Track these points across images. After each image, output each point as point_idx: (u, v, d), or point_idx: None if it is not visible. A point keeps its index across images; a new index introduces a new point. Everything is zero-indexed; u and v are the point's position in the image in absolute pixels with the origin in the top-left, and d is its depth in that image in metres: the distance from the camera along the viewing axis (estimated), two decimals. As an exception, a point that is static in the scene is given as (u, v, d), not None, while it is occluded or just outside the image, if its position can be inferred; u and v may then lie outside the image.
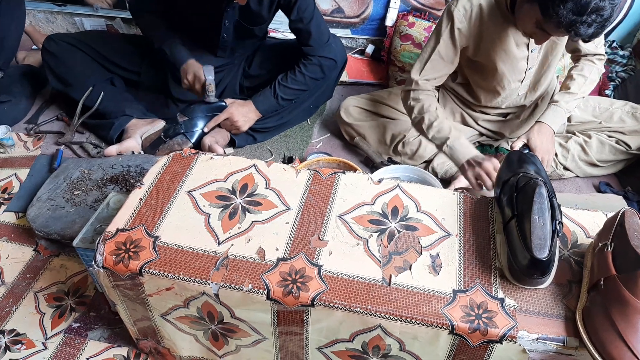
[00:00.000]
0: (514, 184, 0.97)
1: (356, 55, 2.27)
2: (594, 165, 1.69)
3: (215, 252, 0.96)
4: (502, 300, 0.87)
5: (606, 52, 2.04)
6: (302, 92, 1.77)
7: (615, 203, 1.44)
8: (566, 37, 1.37)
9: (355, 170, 1.48)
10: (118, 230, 0.99)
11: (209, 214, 1.03)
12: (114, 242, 0.97)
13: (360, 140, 1.78)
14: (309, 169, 1.15)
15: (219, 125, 1.78)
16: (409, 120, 1.74)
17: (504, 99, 1.64)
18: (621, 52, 2.05)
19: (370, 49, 2.24)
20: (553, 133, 1.54)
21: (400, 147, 1.72)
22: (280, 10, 1.70)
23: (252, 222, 1.02)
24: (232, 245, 0.97)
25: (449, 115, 1.75)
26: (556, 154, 1.66)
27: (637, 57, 2.04)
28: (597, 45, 1.56)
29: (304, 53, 1.71)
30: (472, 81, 1.66)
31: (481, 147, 1.82)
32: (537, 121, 1.56)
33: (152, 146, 1.73)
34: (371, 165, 1.73)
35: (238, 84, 1.93)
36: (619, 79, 1.99)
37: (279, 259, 0.94)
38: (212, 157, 1.17)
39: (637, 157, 1.69)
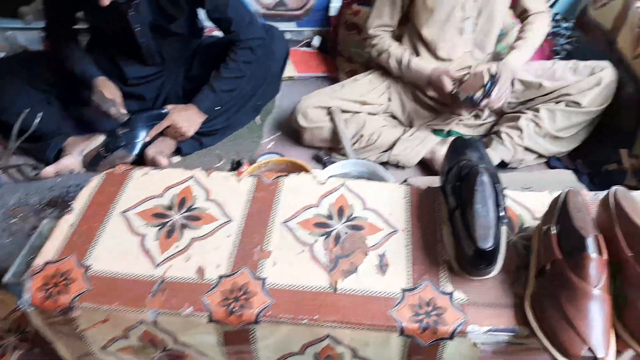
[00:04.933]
0: (456, 172, 0.95)
1: (304, 49, 2.22)
2: (553, 137, 1.65)
3: (152, 276, 0.90)
4: (451, 295, 0.85)
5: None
6: (239, 79, 1.71)
7: (566, 178, 1.44)
8: None
9: (305, 169, 1.44)
10: (46, 262, 0.93)
11: (145, 235, 0.97)
12: (42, 277, 0.90)
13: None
14: (251, 175, 1.10)
15: (162, 134, 1.71)
16: (365, 113, 1.71)
17: (447, 52, 1.66)
18: (564, 24, 2.06)
19: (317, 40, 2.20)
20: (512, 76, 1.59)
21: (361, 140, 1.69)
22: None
23: (191, 239, 0.96)
24: (170, 266, 0.92)
25: (397, 100, 1.74)
26: (511, 137, 1.64)
27: (580, 28, 2.05)
28: (540, 1, 1.66)
29: (231, 41, 1.66)
30: (415, 40, 1.70)
31: (433, 132, 1.80)
32: (501, 61, 1.60)
33: (93, 163, 1.65)
34: (323, 162, 1.69)
35: (180, 88, 1.86)
36: (565, 51, 2.00)
37: (220, 277, 0.90)
38: (147, 172, 1.11)
39: (596, 122, 1.67)
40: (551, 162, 1.67)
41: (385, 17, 1.70)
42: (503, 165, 1.66)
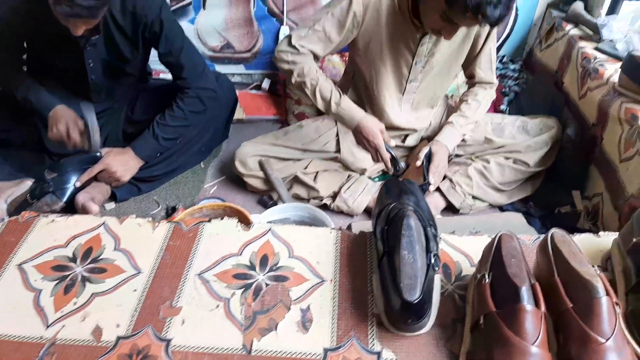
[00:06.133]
0: (385, 215, 0.87)
1: (253, 91, 2.17)
2: (497, 190, 1.62)
3: (41, 337, 0.79)
4: (378, 355, 0.75)
5: (497, 67, 2.06)
6: (184, 128, 1.62)
7: (514, 221, 1.38)
8: (457, 64, 1.47)
9: (242, 214, 1.35)
10: None
11: (40, 290, 0.86)
12: None
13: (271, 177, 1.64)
14: (168, 222, 1.01)
15: (96, 179, 1.60)
16: (309, 159, 1.64)
17: (388, 110, 1.59)
18: (512, 66, 2.07)
19: (266, 83, 2.16)
20: (447, 152, 1.54)
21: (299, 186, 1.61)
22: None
23: (92, 294, 0.85)
24: (64, 326, 0.80)
25: (347, 151, 1.66)
26: (461, 185, 1.60)
27: (528, 69, 2.07)
28: (491, 72, 1.59)
29: (180, 87, 1.59)
30: (360, 93, 1.63)
31: (383, 175, 1.74)
32: (434, 140, 1.56)
33: (18, 210, 1.52)
34: (269, 207, 1.60)
35: (121, 130, 1.76)
36: (513, 93, 1.99)
37: (119, 338, 0.78)
38: (53, 220, 1.01)
39: (544, 176, 1.66)
40: (503, 205, 1.62)
41: (317, 47, 1.44)
42: (454, 210, 1.61)
